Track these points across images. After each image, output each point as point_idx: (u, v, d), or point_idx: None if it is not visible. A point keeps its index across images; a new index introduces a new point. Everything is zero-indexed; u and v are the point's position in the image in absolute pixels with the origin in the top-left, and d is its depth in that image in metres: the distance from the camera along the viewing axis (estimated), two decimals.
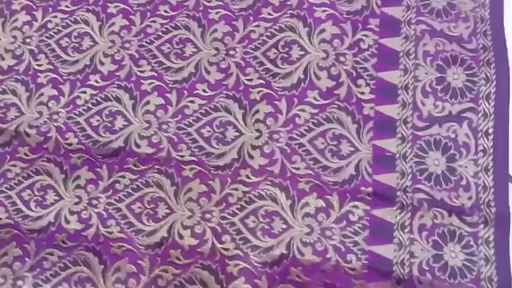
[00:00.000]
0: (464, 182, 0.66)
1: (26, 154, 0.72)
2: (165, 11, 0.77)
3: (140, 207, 0.68)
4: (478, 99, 0.70)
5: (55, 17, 0.80)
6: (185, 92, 0.73)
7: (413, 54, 0.72)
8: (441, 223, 0.65)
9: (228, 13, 0.76)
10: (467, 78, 0.71)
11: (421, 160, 0.68)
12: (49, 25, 0.79)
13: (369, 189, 0.66)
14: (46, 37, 0.79)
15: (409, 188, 0.66)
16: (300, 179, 0.67)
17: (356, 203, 0.66)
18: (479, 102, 0.70)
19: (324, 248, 0.64)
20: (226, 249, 0.65)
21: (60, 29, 0.79)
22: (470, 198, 0.66)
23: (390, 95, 0.70)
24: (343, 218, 0.65)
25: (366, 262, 0.63)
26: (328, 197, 0.66)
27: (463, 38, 0.73)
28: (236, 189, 0.67)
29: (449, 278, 0.62)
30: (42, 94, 0.75)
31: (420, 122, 0.69)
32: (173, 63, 0.75)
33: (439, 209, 0.65)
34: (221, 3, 0.77)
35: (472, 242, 0.64)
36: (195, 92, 0.73)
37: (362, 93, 0.70)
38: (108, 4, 0.79)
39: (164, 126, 0.71)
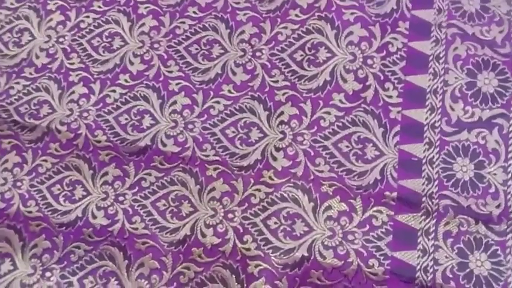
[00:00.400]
0: (492, 190, 0.65)
1: (56, 150, 0.74)
2: (194, 12, 0.78)
3: (164, 205, 0.69)
4: (510, 106, 0.68)
5: (88, 17, 0.82)
6: (212, 92, 0.74)
7: (443, 58, 0.71)
8: (467, 231, 0.64)
9: (256, 15, 0.77)
10: (499, 83, 0.69)
11: (448, 166, 0.67)
12: (82, 25, 0.82)
13: (394, 194, 0.65)
14: (79, 36, 0.81)
15: (435, 194, 0.65)
16: (323, 182, 0.67)
17: (379, 207, 0.65)
18: (511, 108, 0.68)
19: (346, 252, 0.64)
20: (248, 249, 0.65)
21: (92, 28, 0.81)
22: (498, 206, 0.64)
23: (419, 99, 0.69)
24: (366, 223, 0.65)
25: (388, 268, 0.63)
26: (351, 201, 0.66)
27: (496, 42, 0.71)
28: (259, 190, 0.68)
29: (474, 287, 0.61)
30: (73, 92, 0.77)
31: (448, 127, 0.68)
32: (201, 64, 0.75)
33: (466, 216, 0.64)
34: (249, 4, 0.77)
35: (499, 251, 0.62)
36: (220, 93, 0.74)
37: (390, 96, 0.69)
38: (138, 5, 0.80)
39: (190, 126, 0.72)
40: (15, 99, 0.78)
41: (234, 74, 0.74)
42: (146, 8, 0.80)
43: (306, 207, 0.66)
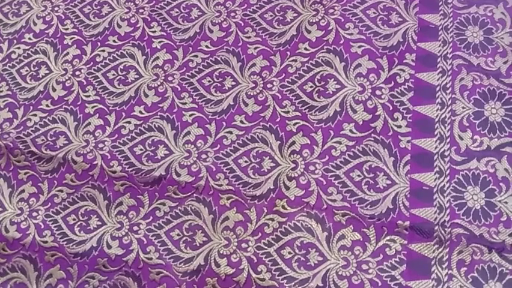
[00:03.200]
0: (504, 218, 0.65)
1: (72, 180, 0.75)
2: (206, 46, 0.81)
3: (178, 235, 0.70)
4: None
5: (103, 51, 0.85)
6: (224, 123, 0.76)
7: (450, 89, 0.73)
8: (480, 259, 0.64)
9: (266, 48, 0.79)
10: (505, 112, 0.71)
11: (459, 195, 0.67)
12: (97, 58, 0.84)
13: (407, 223, 0.66)
14: (94, 70, 0.84)
15: (447, 222, 0.66)
16: (336, 211, 0.67)
17: (393, 236, 0.66)
18: None
19: (361, 282, 0.64)
20: (262, 280, 0.65)
21: (108, 62, 0.84)
22: (511, 234, 0.64)
23: (427, 129, 0.71)
24: (380, 252, 0.65)
25: None
26: (365, 230, 0.66)
27: (501, 73, 0.73)
28: (272, 220, 0.68)
29: None
30: (89, 123, 0.79)
31: (458, 156, 0.69)
32: (213, 95, 0.78)
33: (479, 245, 0.64)
34: (259, 39, 0.80)
35: None
36: (233, 123, 0.75)
37: (399, 126, 0.71)
38: (153, 39, 0.83)
39: (203, 156, 0.74)
40: (32, 130, 0.80)
41: (246, 105, 0.76)
42: (160, 42, 0.83)
43: (320, 236, 0.66)
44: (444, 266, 0.64)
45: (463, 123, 0.71)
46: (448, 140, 0.70)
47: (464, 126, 0.71)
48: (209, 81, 0.79)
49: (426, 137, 0.70)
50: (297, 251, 0.66)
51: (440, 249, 0.65)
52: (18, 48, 0.88)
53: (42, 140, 0.79)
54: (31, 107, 0.82)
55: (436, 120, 0.71)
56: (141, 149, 0.76)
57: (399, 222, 0.66)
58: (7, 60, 0.88)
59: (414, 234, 0.66)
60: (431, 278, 0.63)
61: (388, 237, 0.66)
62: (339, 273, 0.64)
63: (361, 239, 0.66)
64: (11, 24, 0.91)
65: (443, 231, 0.65)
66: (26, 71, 0.86)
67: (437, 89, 0.73)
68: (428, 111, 0.72)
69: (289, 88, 0.76)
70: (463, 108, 0.72)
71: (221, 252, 0.68)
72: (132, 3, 0.87)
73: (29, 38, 0.89)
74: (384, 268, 0.64)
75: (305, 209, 0.68)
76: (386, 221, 0.66)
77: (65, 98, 0.82)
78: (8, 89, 0.85)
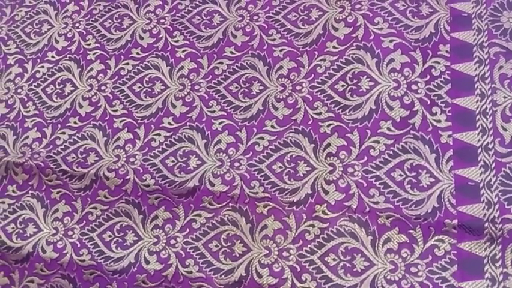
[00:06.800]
0: None
1: (105, 196, 0.75)
2: (231, 52, 0.80)
3: (217, 246, 0.68)
4: None
5: (127, 64, 0.84)
6: (255, 129, 0.74)
7: (489, 78, 0.70)
8: None
9: (293, 49, 0.77)
10: None
11: (508, 188, 0.64)
12: (122, 72, 0.84)
13: (455, 222, 0.63)
14: (120, 83, 0.83)
15: (497, 218, 0.63)
16: (379, 214, 0.65)
17: (441, 236, 0.63)
18: None
19: (411, 286, 0.61)
20: None
21: (133, 75, 0.83)
22: None
23: (468, 122, 0.68)
24: (428, 253, 0.62)
25: None
26: (411, 231, 0.63)
27: None
28: (313, 226, 0.66)
29: None
30: (119, 138, 0.78)
31: (502, 148, 0.66)
32: (242, 101, 0.76)
33: None
34: (285, 40, 0.78)
35: None
36: (264, 129, 0.73)
37: (438, 121, 0.68)
38: (176, 49, 0.82)
39: (236, 164, 0.72)
40: (62, 148, 0.80)
41: (276, 109, 0.74)
42: (184, 51, 0.82)
43: (365, 241, 0.64)
44: (498, 265, 0.61)
45: (506, 113, 0.68)
46: (491, 132, 0.67)
47: (507, 116, 0.67)
48: (236, 87, 0.77)
49: (467, 130, 0.67)
50: (341, 257, 0.64)
51: (492, 247, 0.62)
52: (42, 67, 0.89)
53: (73, 157, 0.78)
54: (59, 125, 0.82)
55: (477, 112, 0.68)
56: (173, 161, 0.74)
57: (447, 221, 0.63)
58: (32, 79, 0.88)
59: (463, 232, 0.63)
60: (485, 278, 0.60)
61: (436, 238, 0.63)
62: (388, 277, 0.62)
63: (408, 241, 0.63)
64: (33, 44, 0.91)
65: (493, 228, 0.62)
66: (52, 89, 0.86)
67: (475, 79, 0.70)
68: (468, 103, 0.69)
69: (320, 89, 0.74)
70: (504, 97, 0.68)
71: (262, 262, 0.66)
72: (153, 14, 0.86)
73: (52, 56, 0.89)
74: (434, 270, 0.61)
75: (347, 213, 0.66)
76: (432, 220, 0.63)
77: (93, 114, 0.81)
78: (35, 109, 0.85)
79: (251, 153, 0.72)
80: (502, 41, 0.72)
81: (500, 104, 0.68)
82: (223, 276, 0.66)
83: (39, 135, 0.82)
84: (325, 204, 0.67)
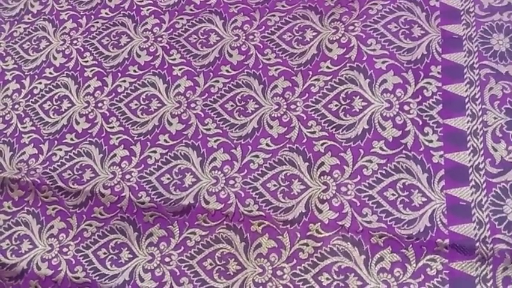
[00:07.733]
0: None
1: (101, 213, 0.75)
2: (227, 71, 0.81)
3: (211, 264, 0.69)
4: None
5: (124, 81, 0.85)
6: (250, 147, 0.75)
7: (480, 99, 0.71)
8: None
9: (287, 69, 0.79)
10: None
11: (498, 208, 0.65)
12: (119, 89, 0.85)
13: (446, 241, 0.64)
14: (116, 100, 0.84)
15: (488, 238, 0.63)
16: (372, 233, 0.65)
17: (433, 256, 0.63)
18: None
19: None
20: None
21: (130, 92, 0.84)
22: None
23: (460, 142, 0.69)
24: (421, 273, 0.63)
25: None
26: (403, 250, 0.64)
27: None
28: (306, 245, 0.67)
29: None
30: (115, 155, 0.79)
31: (493, 169, 0.67)
32: (237, 120, 0.77)
33: None
34: (280, 60, 0.79)
35: None
36: (259, 147, 0.74)
37: (430, 141, 0.69)
38: (173, 67, 0.83)
39: (231, 182, 0.73)
40: (58, 165, 0.80)
41: (271, 127, 0.75)
42: (180, 69, 0.83)
43: (358, 260, 0.64)
44: (489, 284, 0.61)
45: (496, 134, 0.69)
46: (482, 152, 0.68)
47: (498, 137, 0.69)
48: (232, 105, 0.78)
49: (459, 150, 0.68)
50: (335, 276, 0.64)
51: (483, 267, 0.62)
52: (40, 83, 0.89)
53: (69, 174, 0.79)
54: (56, 142, 0.83)
55: (468, 132, 0.69)
56: (168, 178, 0.75)
57: (439, 240, 0.64)
58: (30, 96, 0.89)
59: (455, 252, 0.63)
60: None
61: (428, 257, 0.64)
62: None
63: (400, 260, 0.64)
64: (31, 60, 0.92)
65: (484, 248, 0.63)
66: (49, 105, 0.87)
67: (466, 100, 0.71)
68: (459, 124, 0.70)
69: (314, 108, 0.75)
70: (495, 118, 0.70)
71: (256, 280, 0.66)
72: (150, 32, 0.88)
73: (50, 73, 0.90)
74: None
75: (340, 232, 0.66)
76: (424, 240, 0.64)
77: (89, 131, 0.82)
78: (32, 125, 0.86)
79: (246, 171, 0.73)
80: (492, 63, 0.73)
81: (490, 125, 0.69)
82: None
83: (36, 152, 0.83)
84: (319, 223, 0.67)
